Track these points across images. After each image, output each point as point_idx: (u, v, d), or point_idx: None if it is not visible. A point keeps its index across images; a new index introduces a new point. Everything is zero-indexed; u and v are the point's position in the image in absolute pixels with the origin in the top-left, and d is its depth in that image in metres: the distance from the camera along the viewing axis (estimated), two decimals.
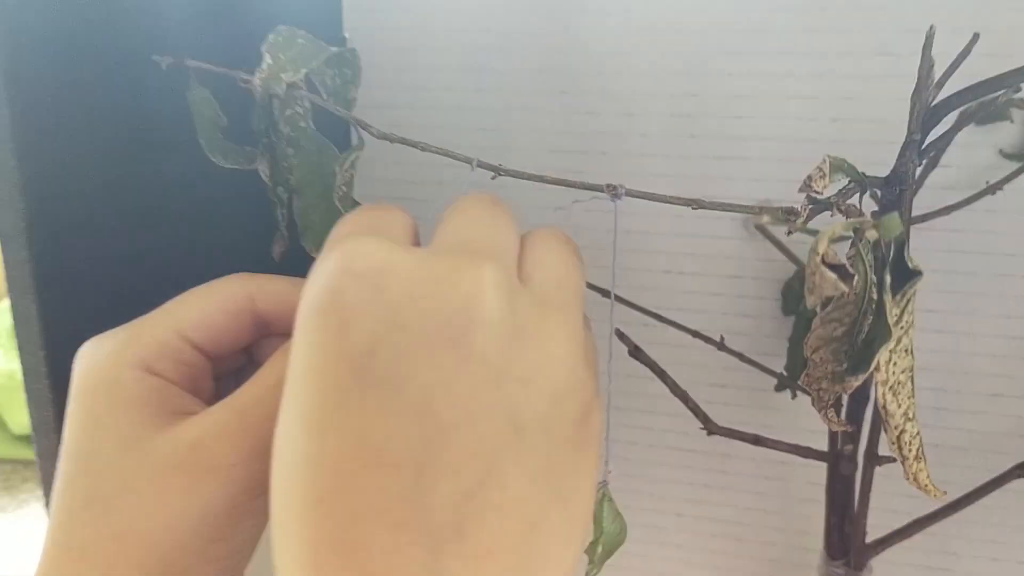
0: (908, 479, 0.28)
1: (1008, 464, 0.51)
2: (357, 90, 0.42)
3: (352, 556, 0.19)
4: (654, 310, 0.53)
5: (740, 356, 0.53)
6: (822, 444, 0.52)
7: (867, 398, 0.44)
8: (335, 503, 0.19)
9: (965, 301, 0.54)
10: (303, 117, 0.41)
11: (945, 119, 0.36)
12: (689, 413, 0.50)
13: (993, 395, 0.56)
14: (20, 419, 0.94)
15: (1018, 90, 0.34)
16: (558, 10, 0.56)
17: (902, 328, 0.26)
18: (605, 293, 0.41)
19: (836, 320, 0.27)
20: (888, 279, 0.25)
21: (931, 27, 0.33)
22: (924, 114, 0.33)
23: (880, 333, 0.25)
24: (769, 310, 0.58)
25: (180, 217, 0.45)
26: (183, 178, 0.44)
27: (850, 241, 0.28)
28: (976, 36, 0.39)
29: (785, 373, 0.54)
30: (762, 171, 0.55)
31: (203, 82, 0.41)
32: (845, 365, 0.27)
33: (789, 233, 0.34)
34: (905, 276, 0.25)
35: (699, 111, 0.55)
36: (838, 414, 0.29)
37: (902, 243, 0.26)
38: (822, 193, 0.28)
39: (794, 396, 0.54)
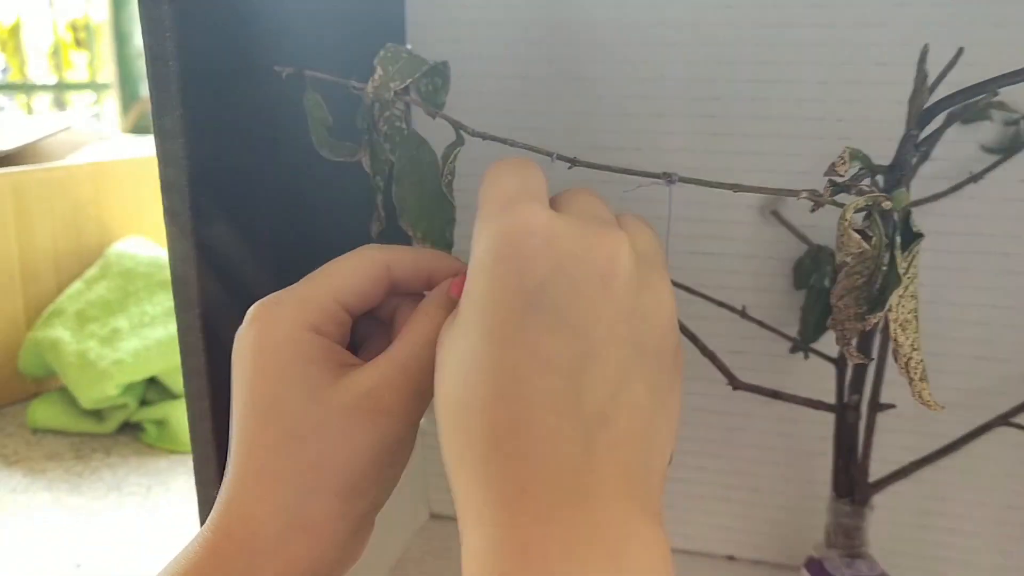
0: (914, 396, 0.36)
1: (991, 417, 0.60)
2: (446, 95, 0.50)
3: (527, 435, 0.26)
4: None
5: (760, 323, 0.61)
6: (830, 400, 0.60)
7: (872, 343, 0.52)
8: (513, 396, 0.27)
9: (951, 276, 0.63)
10: (400, 118, 0.49)
11: (935, 118, 0.44)
12: (711, 378, 0.59)
13: (976, 357, 0.64)
14: (90, 395, 1.02)
15: (996, 94, 0.42)
16: (595, 24, 0.65)
17: (909, 278, 0.34)
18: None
19: (858, 273, 0.35)
20: (898, 240, 0.33)
21: (925, 45, 0.41)
22: (919, 114, 0.41)
23: (892, 281, 0.33)
24: (781, 285, 0.66)
25: (301, 201, 0.53)
26: (304, 169, 0.52)
27: (864, 214, 0.36)
28: (960, 50, 0.48)
29: (799, 337, 0.62)
30: (776, 164, 0.63)
31: (315, 89, 0.49)
32: (865, 308, 0.35)
33: (813, 210, 0.42)
34: (910, 238, 0.33)
35: (721, 113, 0.64)
36: (858, 350, 0.37)
37: (907, 213, 0.34)
38: (844, 176, 0.36)
39: (806, 357, 0.62)
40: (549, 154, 0.43)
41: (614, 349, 0.27)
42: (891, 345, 0.35)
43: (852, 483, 0.60)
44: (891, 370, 0.56)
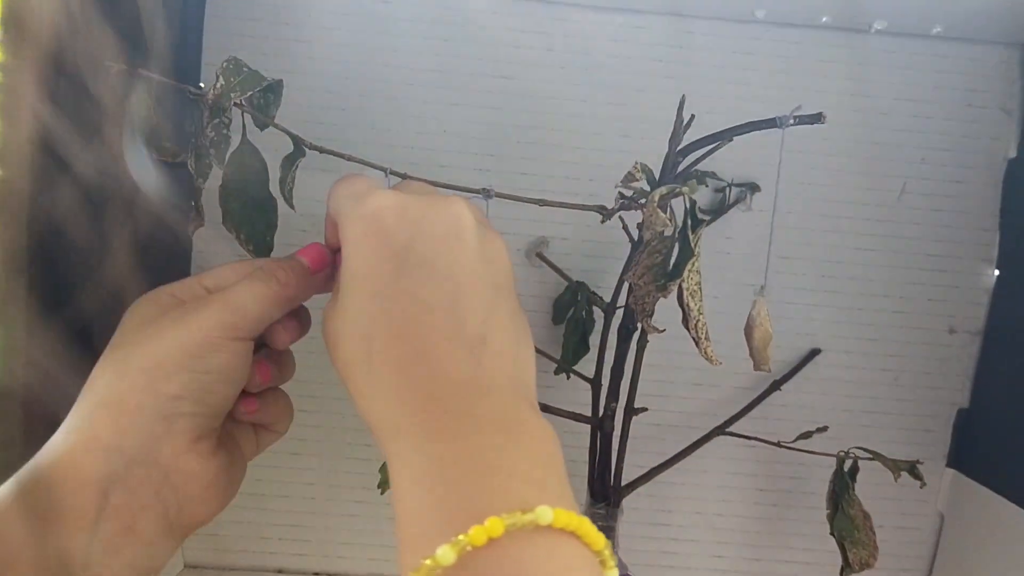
0: (702, 353, 0.45)
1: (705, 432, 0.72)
2: (277, 110, 0.55)
3: (427, 360, 0.31)
4: None
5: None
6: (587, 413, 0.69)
7: (632, 334, 0.62)
8: (409, 335, 0.32)
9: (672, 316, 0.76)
10: (227, 126, 0.53)
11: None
12: None
13: (695, 384, 0.77)
14: None
15: (730, 140, 0.55)
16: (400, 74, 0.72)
17: (696, 255, 0.43)
18: None
19: (657, 251, 0.44)
20: (689, 222, 0.43)
21: (683, 96, 0.52)
22: (676, 149, 0.53)
23: (686, 254, 0.43)
24: (544, 320, 0.75)
25: (122, 200, 0.53)
26: (124, 169, 0.53)
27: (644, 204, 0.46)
28: (693, 116, 0.61)
29: (561, 361, 0.71)
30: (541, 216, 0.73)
31: (147, 91, 0.52)
32: (663, 280, 0.44)
33: (603, 221, 0.52)
34: (696, 222, 0.43)
35: (496, 168, 0.73)
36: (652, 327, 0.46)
37: (694, 202, 0.44)
38: (640, 181, 0.46)
39: (568, 377, 0.71)
40: (383, 168, 0.49)
41: (478, 285, 0.34)
42: (683, 312, 0.44)
43: (606, 488, 0.69)
44: (642, 383, 0.67)
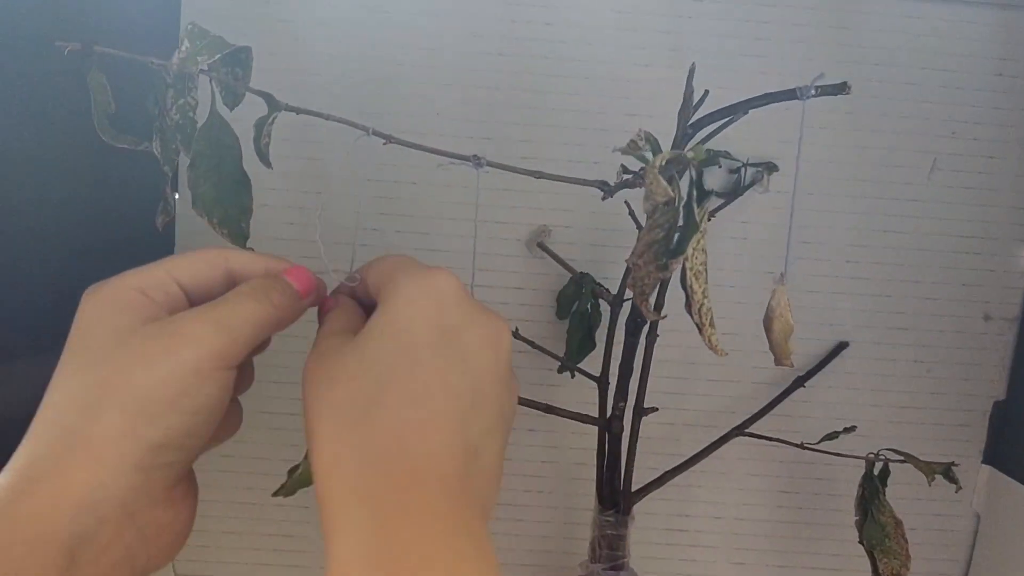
0: (705, 341, 0.40)
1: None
2: (246, 87, 0.50)
3: (427, 442, 0.31)
4: None
5: (532, 343, 0.65)
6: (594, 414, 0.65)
7: (643, 323, 0.57)
8: (421, 403, 0.31)
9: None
10: (192, 108, 0.48)
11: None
12: None
13: (711, 380, 0.72)
14: None
15: (745, 112, 0.50)
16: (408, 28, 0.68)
17: (701, 232, 0.39)
18: None
19: (659, 226, 0.39)
20: (695, 193, 0.38)
21: (693, 64, 0.47)
22: (686, 121, 0.48)
23: (691, 229, 0.38)
24: (547, 315, 0.70)
25: (79, 192, 0.49)
26: (82, 157, 0.49)
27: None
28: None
29: (565, 358, 0.66)
30: (540, 203, 0.69)
31: (102, 69, 0.47)
32: (664, 260, 0.39)
33: (604, 198, 0.47)
34: (703, 194, 0.39)
35: (494, 152, 0.69)
36: (652, 308, 0.41)
37: (701, 172, 0.39)
38: (640, 149, 0.41)
39: (573, 376, 0.66)
40: (365, 128, 0.45)
41: (494, 402, 0.33)
42: (686, 294, 0.39)
43: (615, 493, 0.64)
44: (653, 381, 0.62)
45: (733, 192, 0.69)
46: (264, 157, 0.45)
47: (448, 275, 0.34)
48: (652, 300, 0.40)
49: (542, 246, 0.69)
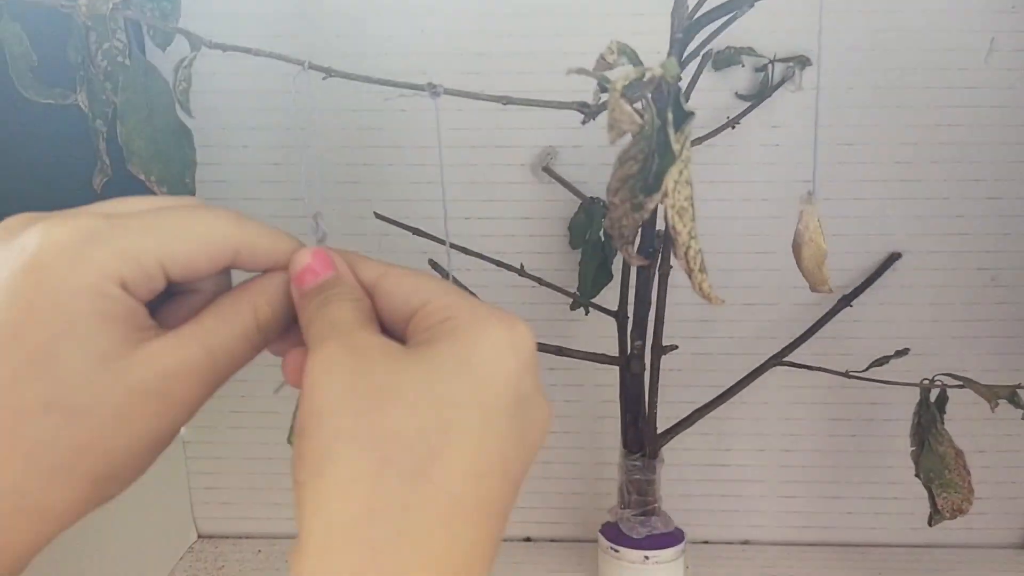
0: (695, 289, 0.34)
1: (764, 360, 0.61)
2: (177, 21, 0.44)
3: (490, 515, 0.26)
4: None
5: (539, 280, 0.59)
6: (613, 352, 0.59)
7: (652, 248, 0.51)
8: (496, 475, 0.26)
9: (715, 225, 0.64)
10: (122, 52, 0.43)
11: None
12: None
13: (746, 304, 0.66)
14: None
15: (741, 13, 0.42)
16: None
17: (683, 161, 0.32)
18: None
19: (632, 158, 0.33)
20: (671, 116, 0.31)
21: None
22: (683, 22, 0.41)
23: (667, 160, 0.31)
24: (559, 246, 0.64)
25: (3, 157, 0.45)
26: (8, 116, 0.44)
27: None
28: None
29: (579, 293, 0.60)
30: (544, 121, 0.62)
31: (15, 17, 0.42)
32: (641, 197, 0.33)
33: (584, 123, 0.41)
34: (682, 116, 0.32)
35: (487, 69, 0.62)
36: (635, 252, 0.36)
37: (678, 91, 0.32)
38: (612, 65, 0.34)
39: (587, 312, 0.60)
40: (300, 63, 0.39)
41: (519, 485, 0.28)
42: (670, 233, 0.33)
43: (641, 437, 0.59)
44: (673, 318, 0.56)
45: (760, 94, 0.61)
46: (184, 105, 0.40)
47: (529, 331, 0.28)
48: (637, 243, 0.34)
49: (548, 170, 0.62)
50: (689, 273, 0.34)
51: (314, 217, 0.32)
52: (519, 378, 0.27)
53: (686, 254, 0.33)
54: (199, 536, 0.73)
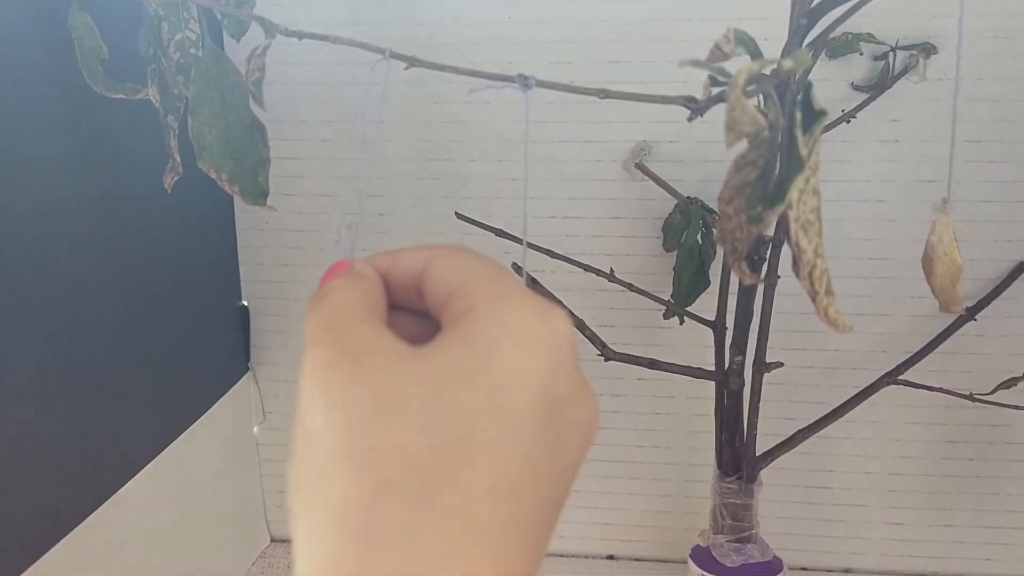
0: (820, 314, 0.30)
1: (875, 377, 0.56)
2: (252, 8, 0.42)
3: (531, 524, 0.23)
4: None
5: (629, 286, 0.55)
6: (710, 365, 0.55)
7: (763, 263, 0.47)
8: (527, 486, 0.22)
9: (826, 227, 0.58)
10: (195, 44, 0.41)
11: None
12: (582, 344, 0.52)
13: (857, 315, 0.60)
14: None
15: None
16: None
17: (811, 167, 0.28)
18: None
19: (751, 163, 0.29)
20: (799, 116, 0.27)
21: None
22: (805, 5, 0.36)
23: (793, 167, 0.27)
24: (651, 248, 0.60)
25: (68, 153, 0.43)
26: (70, 114, 0.42)
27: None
28: None
29: (673, 301, 0.56)
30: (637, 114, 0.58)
31: (84, 7, 0.40)
32: (759, 207, 0.29)
33: (690, 119, 0.36)
34: (812, 116, 0.27)
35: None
36: (751, 269, 0.31)
37: (809, 86, 0.28)
38: (729, 56, 0.30)
39: (682, 322, 0.56)
40: (381, 51, 0.36)
41: (560, 500, 0.24)
42: (792, 252, 0.29)
43: (738, 458, 0.54)
44: (776, 329, 0.51)
45: (880, 84, 0.56)
46: (257, 97, 0.37)
47: (567, 321, 0.25)
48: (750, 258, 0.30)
49: (641, 167, 0.58)
50: (813, 296, 0.29)
51: (347, 228, 0.28)
52: (552, 380, 0.23)
53: (811, 274, 0.29)
54: (272, 540, 0.71)
